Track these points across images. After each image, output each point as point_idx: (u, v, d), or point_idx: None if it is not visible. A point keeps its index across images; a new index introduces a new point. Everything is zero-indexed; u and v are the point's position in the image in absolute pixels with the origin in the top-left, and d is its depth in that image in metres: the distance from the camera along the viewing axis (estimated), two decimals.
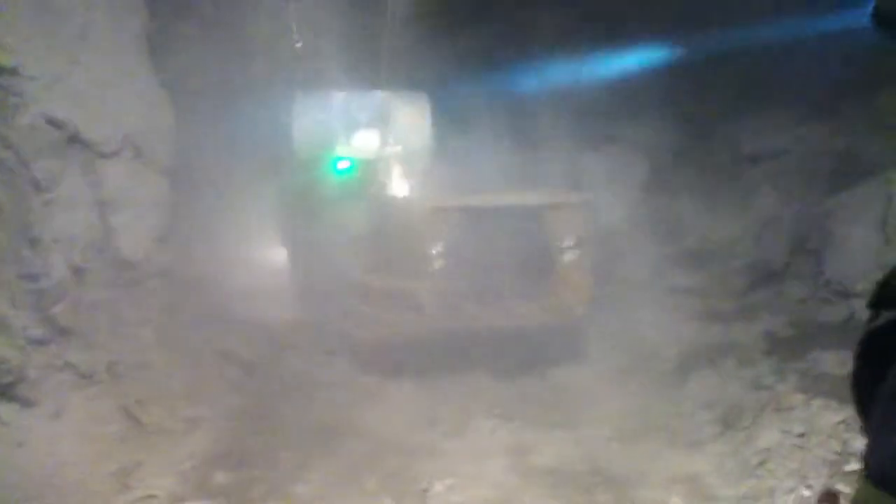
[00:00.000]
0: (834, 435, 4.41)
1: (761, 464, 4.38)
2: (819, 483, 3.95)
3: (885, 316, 0.98)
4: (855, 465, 4.01)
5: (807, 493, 4.00)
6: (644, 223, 10.55)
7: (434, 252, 6.83)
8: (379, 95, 9.89)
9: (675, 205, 10.79)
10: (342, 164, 9.11)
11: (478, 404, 5.98)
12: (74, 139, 5.45)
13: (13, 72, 4.79)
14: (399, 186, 8.78)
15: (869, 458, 0.94)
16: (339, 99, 9.74)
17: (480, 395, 6.18)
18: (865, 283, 6.97)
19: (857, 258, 7.02)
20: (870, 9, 1.32)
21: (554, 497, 4.23)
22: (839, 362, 5.44)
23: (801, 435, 4.53)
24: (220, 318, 7.17)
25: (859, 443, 4.49)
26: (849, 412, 4.78)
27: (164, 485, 4.73)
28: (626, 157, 12.11)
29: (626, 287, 8.56)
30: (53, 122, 5.10)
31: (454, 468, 4.76)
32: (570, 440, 5.15)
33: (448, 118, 9.91)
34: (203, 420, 5.79)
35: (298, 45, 10.57)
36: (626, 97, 12.21)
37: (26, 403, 4.77)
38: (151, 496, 4.57)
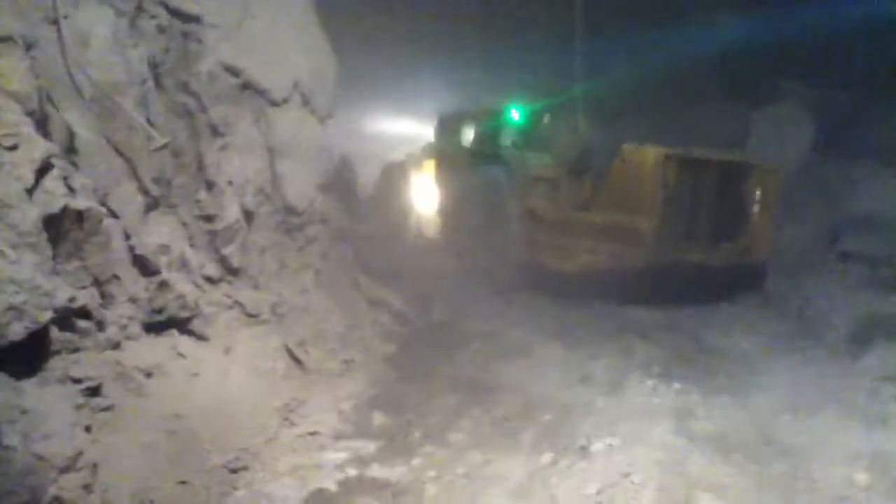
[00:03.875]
0: None
1: None
2: None
3: None
4: None
5: None
6: (816, 185, 9.90)
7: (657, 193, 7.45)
8: None
9: (848, 166, 10.04)
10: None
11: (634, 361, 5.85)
12: (248, 87, 5.64)
13: (196, 19, 4.97)
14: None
15: None
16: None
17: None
18: None
19: None
20: None
21: (725, 463, 4.01)
22: None
23: None
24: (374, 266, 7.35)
25: None
26: None
27: (326, 422, 4.88)
28: (796, 116, 11.39)
29: (796, 251, 8.08)
30: (231, 70, 5.28)
31: (613, 427, 4.62)
32: (736, 406, 4.88)
33: None
34: (359, 364, 5.94)
35: None
36: (796, 53, 11.46)
37: (201, 338, 5.01)
38: (315, 433, 4.72)
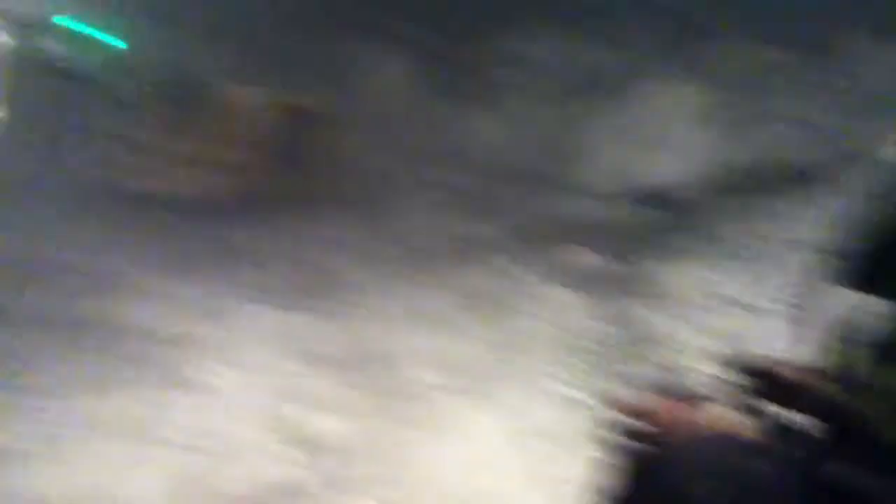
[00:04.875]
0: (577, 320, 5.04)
1: (516, 346, 4.88)
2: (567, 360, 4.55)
3: None
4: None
5: (555, 369, 4.57)
6: (408, 118, 10.69)
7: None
8: None
9: (431, 103, 11.01)
10: None
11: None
12: None
13: None
14: None
15: None
16: None
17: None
18: (609, 185, 7.84)
19: (607, 163, 7.84)
20: None
21: (335, 381, 4.36)
22: (582, 256, 6.14)
23: (551, 321, 5.10)
24: None
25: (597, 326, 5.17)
26: (591, 301, 5.50)
27: None
28: (398, 55, 12.01)
29: (384, 182, 8.74)
30: None
31: (225, 357, 4.67)
32: (339, 326, 5.27)
33: None
34: None
35: None
36: None
37: None
38: None
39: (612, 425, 1.14)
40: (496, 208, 7.85)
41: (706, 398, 1.21)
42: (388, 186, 8.75)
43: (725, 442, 1.02)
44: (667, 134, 8.41)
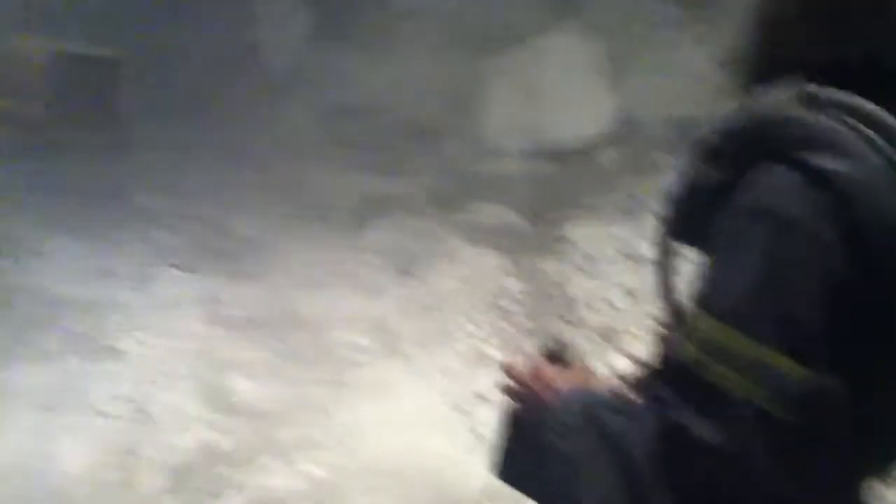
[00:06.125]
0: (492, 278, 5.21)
1: (434, 306, 5.03)
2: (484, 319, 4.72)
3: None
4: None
5: (472, 328, 4.74)
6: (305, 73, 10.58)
7: None
8: None
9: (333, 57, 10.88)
10: None
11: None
12: None
13: None
14: None
15: (712, 293, 0.92)
16: None
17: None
18: (515, 142, 7.98)
19: (508, 119, 7.96)
20: None
21: (252, 344, 4.41)
22: (494, 214, 6.30)
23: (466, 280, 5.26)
24: None
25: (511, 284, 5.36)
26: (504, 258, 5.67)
27: None
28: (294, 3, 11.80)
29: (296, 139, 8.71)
30: None
31: (141, 322, 4.66)
32: (259, 289, 5.30)
33: None
34: None
35: None
36: None
37: None
38: None
39: (501, 387, 1.26)
40: (403, 165, 7.90)
41: (579, 356, 1.33)
42: (294, 143, 8.73)
43: (593, 398, 1.12)
44: (562, 88, 8.59)
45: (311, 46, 11.41)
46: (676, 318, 1.03)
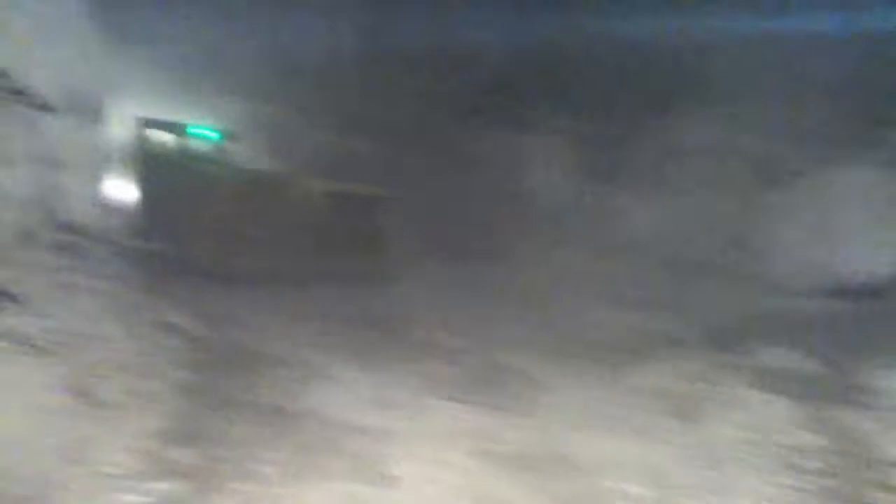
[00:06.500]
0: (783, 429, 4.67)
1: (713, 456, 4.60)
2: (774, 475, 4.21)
3: None
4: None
5: (760, 484, 4.23)
6: (578, 210, 10.78)
7: None
8: None
9: (604, 194, 11.04)
10: None
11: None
12: (19, 92, 5.15)
13: None
14: None
15: None
16: None
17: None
18: (801, 280, 7.37)
19: (793, 255, 7.41)
20: None
21: (523, 484, 4.33)
22: (781, 357, 5.75)
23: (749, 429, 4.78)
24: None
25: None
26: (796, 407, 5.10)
27: (118, 461, 4.57)
28: (563, 145, 12.30)
29: (568, 275, 8.79)
30: None
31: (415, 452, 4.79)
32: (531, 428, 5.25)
33: None
34: (152, 394, 5.61)
35: None
36: (561, 82, 12.29)
37: None
38: (107, 474, 4.40)
39: None
40: (680, 302, 7.59)
41: None
42: (565, 279, 8.78)
43: None
44: (852, 223, 7.88)
45: (582, 184, 11.69)
46: None
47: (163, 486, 4.29)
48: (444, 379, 6.27)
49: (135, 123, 10.55)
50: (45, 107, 5.45)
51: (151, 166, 10.09)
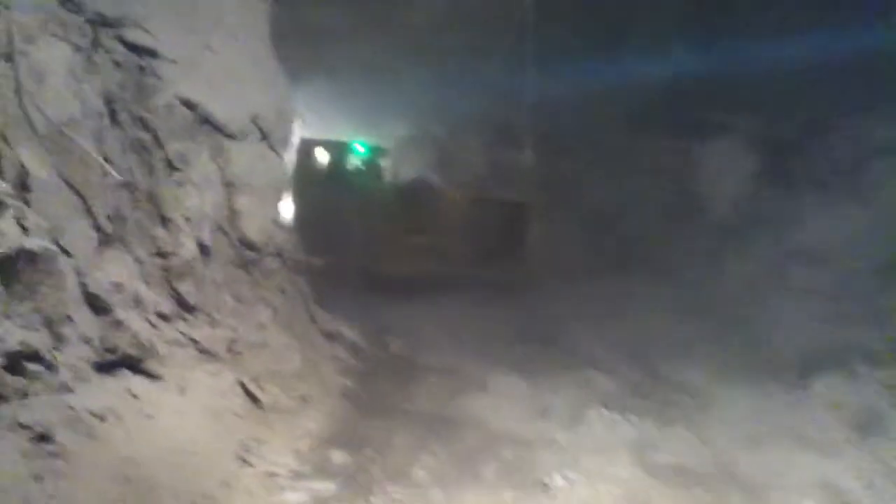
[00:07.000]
0: None
1: None
2: None
3: None
4: None
5: None
6: (759, 216, 10.15)
7: None
8: None
9: (792, 199, 10.34)
10: None
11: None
12: (206, 121, 5.60)
13: (153, 53, 4.93)
14: None
15: None
16: None
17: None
18: None
19: None
20: None
21: (686, 498, 4.08)
22: None
23: None
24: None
25: None
26: None
27: (284, 462, 4.80)
28: (738, 149, 11.68)
29: (743, 285, 8.26)
30: (188, 104, 5.24)
31: (573, 462, 4.66)
32: (693, 438, 4.97)
33: None
34: (316, 400, 5.87)
35: None
36: (739, 87, 11.77)
37: (155, 378, 4.88)
38: (273, 474, 4.64)
39: None
40: (879, 314, 6.88)
41: None
42: (739, 289, 8.26)
43: None
44: None
45: (759, 189, 11.05)
46: None
47: (323, 485, 4.47)
48: (603, 390, 6.10)
49: (304, 145, 11.34)
50: (231, 135, 5.92)
51: (317, 183, 10.78)
